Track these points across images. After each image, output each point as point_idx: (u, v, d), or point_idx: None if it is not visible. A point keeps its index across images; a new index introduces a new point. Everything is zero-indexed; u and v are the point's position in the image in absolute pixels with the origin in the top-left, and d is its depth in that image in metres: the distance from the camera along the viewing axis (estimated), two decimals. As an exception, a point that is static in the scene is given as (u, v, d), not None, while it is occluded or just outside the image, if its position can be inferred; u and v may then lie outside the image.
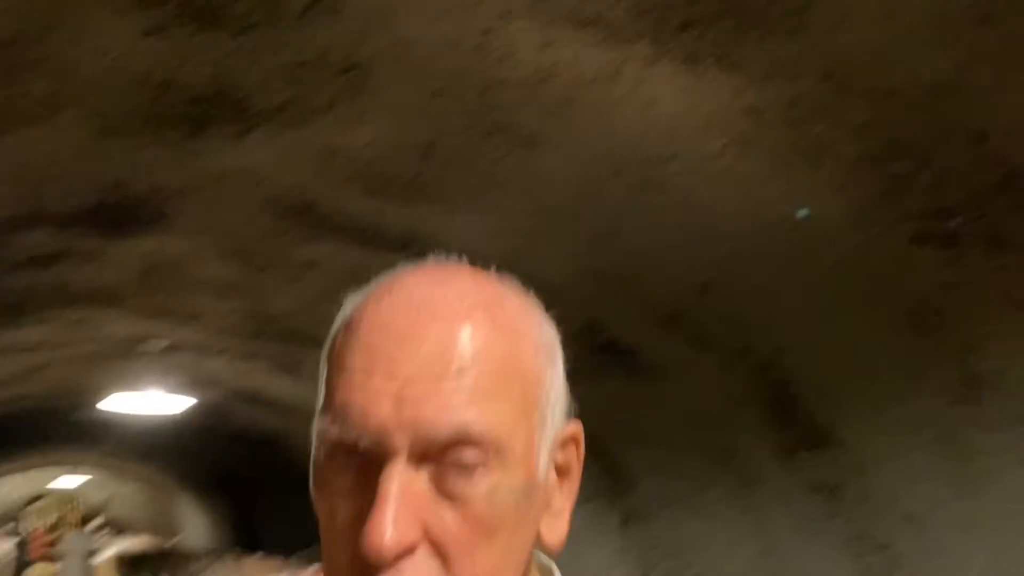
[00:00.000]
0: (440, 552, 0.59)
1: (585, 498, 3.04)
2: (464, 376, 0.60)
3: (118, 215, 2.79)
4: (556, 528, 0.68)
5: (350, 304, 0.68)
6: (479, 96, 2.05)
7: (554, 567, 0.74)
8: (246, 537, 8.70)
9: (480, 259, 2.74)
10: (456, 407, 0.59)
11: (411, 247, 2.96)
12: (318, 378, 0.66)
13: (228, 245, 3.14)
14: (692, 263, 2.62)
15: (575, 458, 0.71)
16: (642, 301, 2.97)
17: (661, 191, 2.32)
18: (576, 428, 0.71)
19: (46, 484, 18.27)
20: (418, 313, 0.62)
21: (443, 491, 0.59)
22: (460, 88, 2.03)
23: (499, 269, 2.71)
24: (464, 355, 0.61)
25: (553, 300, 2.93)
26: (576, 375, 3.11)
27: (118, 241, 3.04)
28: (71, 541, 12.50)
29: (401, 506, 0.57)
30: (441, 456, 0.59)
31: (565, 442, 0.69)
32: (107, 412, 6.73)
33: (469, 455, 0.59)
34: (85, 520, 16.23)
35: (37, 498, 19.17)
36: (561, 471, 0.70)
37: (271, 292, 3.58)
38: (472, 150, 2.33)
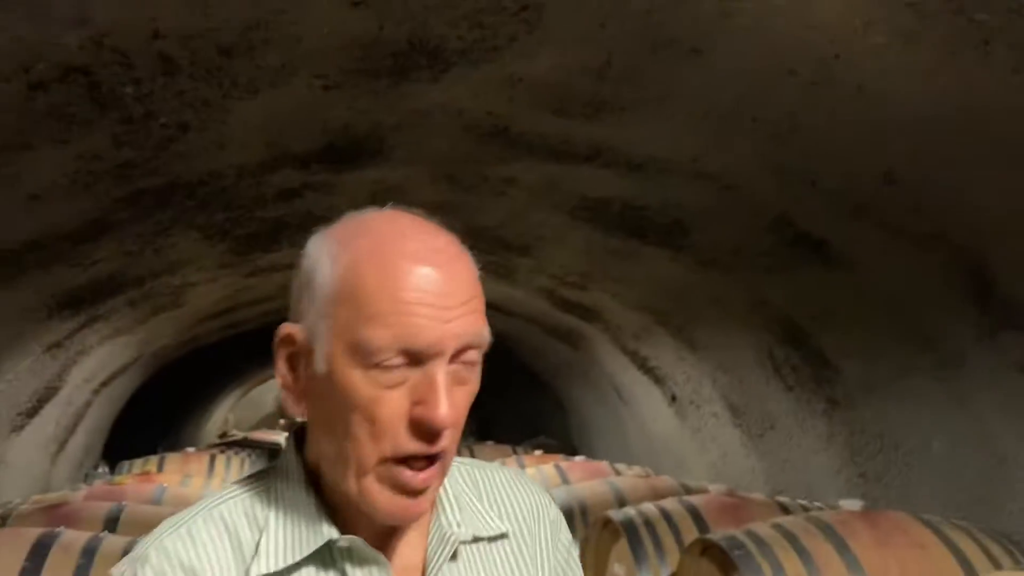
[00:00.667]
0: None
1: (787, 387, 3.37)
2: (472, 301, 0.88)
3: (346, 153, 3.23)
4: None
5: (352, 236, 0.90)
6: (643, 17, 2.20)
7: None
8: (479, 428, 9.49)
9: (664, 165, 3.09)
10: (474, 324, 0.88)
11: (597, 159, 3.18)
12: (331, 292, 0.87)
13: (438, 170, 3.51)
14: (873, 154, 2.65)
15: None
16: (828, 194, 3.01)
17: (831, 87, 2.37)
18: None
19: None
20: (439, 256, 0.87)
21: (457, 379, 0.88)
22: (624, 12, 2.20)
23: (690, 171, 3.13)
24: (470, 287, 0.89)
25: (744, 197, 3.21)
26: (773, 268, 3.42)
27: (348, 174, 3.50)
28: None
29: (447, 390, 0.85)
30: (457, 356, 0.87)
31: None
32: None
33: (474, 355, 0.89)
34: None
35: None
36: None
37: (479, 208, 3.94)
38: (643, 65, 2.49)
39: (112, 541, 2.42)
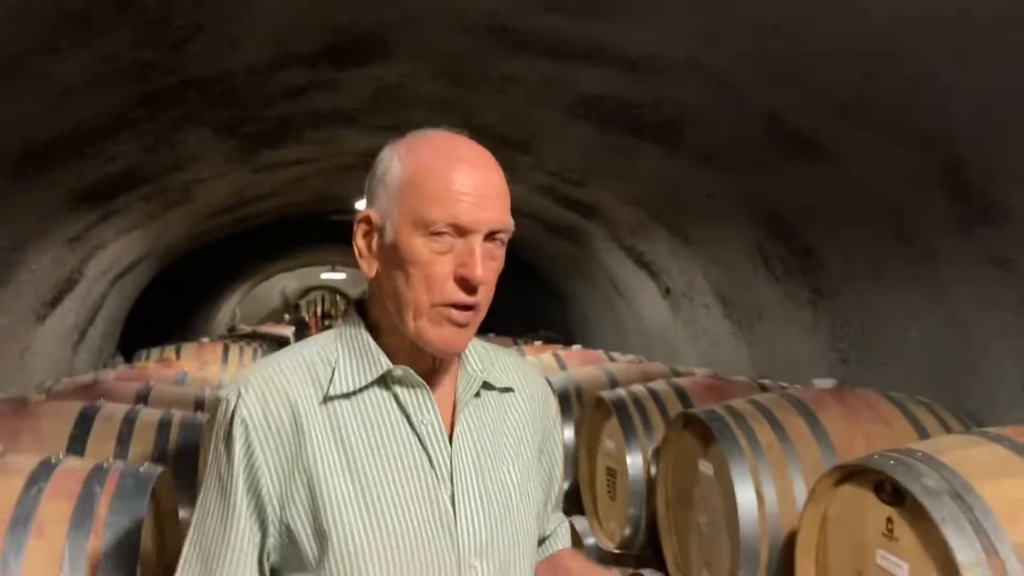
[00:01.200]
0: (485, 285, 1.20)
1: (775, 278, 3.65)
2: (503, 198, 1.22)
3: (350, 51, 3.33)
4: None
5: (417, 144, 1.23)
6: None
7: None
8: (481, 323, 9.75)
9: (664, 62, 3.29)
10: (502, 213, 1.21)
11: (594, 57, 3.28)
12: (403, 183, 1.20)
13: (440, 68, 3.61)
14: (856, 53, 2.76)
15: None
16: (815, 92, 3.13)
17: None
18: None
19: (314, 280, 20.89)
20: (480, 161, 1.22)
21: (488, 254, 1.20)
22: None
23: (683, 69, 3.33)
24: (501, 187, 1.22)
25: (736, 96, 3.41)
26: (763, 165, 3.66)
27: (351, 71, 3.60)
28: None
29: (481, 259, 1.18)
30: (489, 236, 1.20)
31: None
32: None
33: (502, 237, 1.22)
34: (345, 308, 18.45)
35: (308, 291, 22.08)
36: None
37: (479, 105, 4.05)
38: (639, -34, 2.58)
39: (149, 412, 2.66)
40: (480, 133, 4.04)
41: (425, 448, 1.22)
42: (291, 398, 1.18)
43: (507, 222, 1.21)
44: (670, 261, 5.71)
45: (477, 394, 1.30)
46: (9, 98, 2.63)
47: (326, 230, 8.98)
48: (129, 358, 7.00)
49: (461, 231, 1.18)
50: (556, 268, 8.37)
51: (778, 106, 3.35)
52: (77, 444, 2.42)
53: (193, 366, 4.90)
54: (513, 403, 1.37)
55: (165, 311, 8.78)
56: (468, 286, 1.18)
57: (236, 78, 3.38)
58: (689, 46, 3.11)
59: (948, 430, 2.80)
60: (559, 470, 1.53)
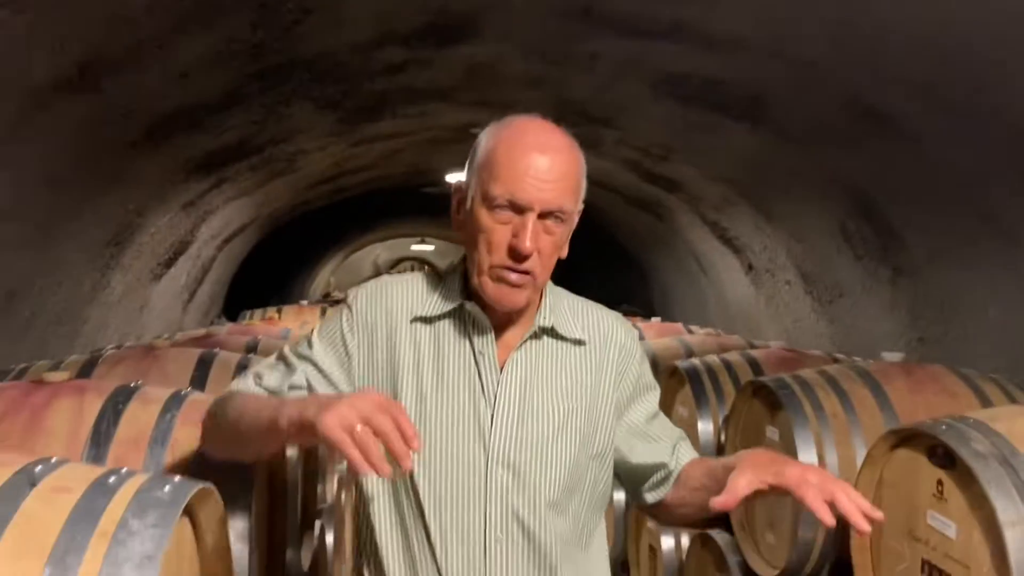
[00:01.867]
0: (539, 254, 1.41)
1: (857, 256, 3.82)
2: (562, 182, 1.40)
3: (444, 31, 3.54)
4: (564, 249, 1.50)
5: (501, 129, 1.44)
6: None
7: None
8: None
9: (742, 43, 3.47)
10: (558, 197, 1.40)
11: (677, 35, 3.40)
12: (483, 160, 1.42)
13: (528, 47, 3.79)
14: (935, 34, 2.81)
15: (577, 218, 1.50)
16: (895, 72, 3.18)
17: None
18: (581, 206, 1.50)
19: (405, 252, 21.43)
20: (545, 148, 1.41)
21: (545, 229, 1.41)
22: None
23: (767, 49, 3.48)
24: (562, 173, 1.41)
25: (815, 76, 3.56)
26: (845, 143, 3.82)
27: (446, 51, 3.82)
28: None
29: (533, 233, 1.39)
30: (545, 216, 1.40)
31: (580, 212, 1.50)
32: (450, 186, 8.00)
33: (559, 215, 1.41)
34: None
35: (399, 262, 22.66)
36: (573, 224, 1.49)
37: (566, 82, 4.21)
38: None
39: (260, 360, 2.95)
40: (567, 109, 4.27)
41: (480, 373, 1.47)
42: (388, 309, 1.50)
43: (563, 204, 1.40)
44: (753, 237, 5.77)
45: (537, 337, 1.51)
46: (141, 74, 2.94)
47: (417, 202, 9.27)
48: (233, 318, 7.47)
49: (517, 208, 1.39)
50: (640, 243, 8.47)
51: (858, 86, 3.40)
52: (197, 384, 2.72)
53: (294, 324, 5.27)
54: (585, 355, 1.55)
55: (266, 276, 9.27)
56: (517, 255, 1.39)
57: (339, 56, 3.64)
58: (772, 27, 3.20)
59: (1013, 403, 2.85)
60: (662, 416, 1.67)
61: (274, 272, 9.80)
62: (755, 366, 3.71)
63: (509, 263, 1.40)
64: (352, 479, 1.55)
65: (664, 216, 6.91)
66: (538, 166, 1.38)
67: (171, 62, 2.90)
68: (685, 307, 7.77)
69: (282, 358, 1.53)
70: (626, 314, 6.66)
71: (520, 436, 1.46)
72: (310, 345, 1.51)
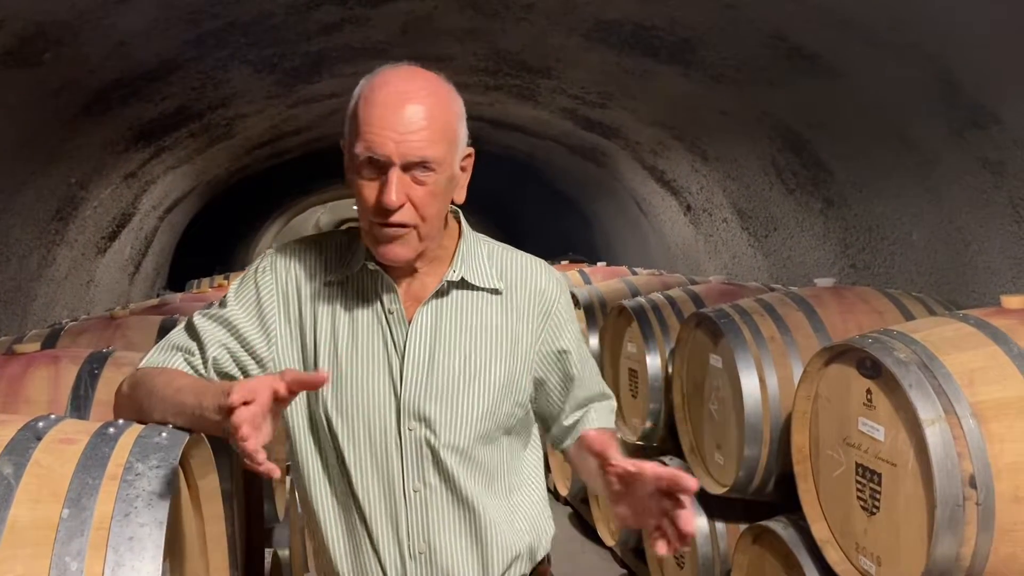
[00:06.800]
0: (414, 205, 1.40)
1: (788, 190, 4.05)
2: (422, 132, 1.36)
3: (380, -13, 3.57)
4: (460, 194, 1.50)
5: (366, 83, 1.41)
6: None
7: (460, 213, 1.60)
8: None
9: None
10: (419, 147, 1.36)
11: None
12: (350, 118, 1.40)
13: None
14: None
15: (470, 163, 1.50)
16: (815, 9, 3.32)
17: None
18: (471, 150, 1.49)
19: (347, 213, 21.27)
20: (403, 98, 1.37)
21: (415, 181, 1.38)
22: None
23: None
24: (423, 122, 1.37)
25: (741, 16, 3.75)
26: (773, 82, 4.04)
27: (382, 7, 3.84)
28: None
29: (397, 186, 1.37)
30: (410, 168, 1.37)
31: (466, 156, 1.49)
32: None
33: (428, 166, 1.38)
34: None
35: (341, 223, 22.52)
36: (464, 168, 1.49)
37: (503, 33, 4.27)
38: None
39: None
40: (503, 60, 4.37)
41: (390, 330, 1.49)
42: (301, 271, 1.53)
43: (427, 153, 1.36)
44: (690, 178, 5.94)
45: (445, 291, 1.51)
46: (79, 46, 2.94)
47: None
48: (178, 289, 7.44)
49: (378, 164, 1.37)
50: (582, 191, 8.60)
51: (783, 24, 3.55)
52: (163, 349, 2.79)
53: (245, 290, 5.29)
54: (502, 303, 1.54)
55: (209, 244, 9.19)
56: (382, 209, 1.38)
57: (276, 17, 3.64)
58: (696, -29, 3.31)
59: (933, 316, 3.07)
60: (583, 367, 1.62)
61: (216, 240, 9.72)
62: (697, 300, 3.90)
63: (379, 219, 1.40)
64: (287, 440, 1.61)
65: (604, 163, 7.04)
66: (394, 119, 1.35)
67: (110, 32, 2.89)
68: (628, 250, 7.96)
69: (193, 328, 1.50)
70: (572, 260, 6.82)
71: (429, 387, 1.48)
72: (224, 305, 1.51)
